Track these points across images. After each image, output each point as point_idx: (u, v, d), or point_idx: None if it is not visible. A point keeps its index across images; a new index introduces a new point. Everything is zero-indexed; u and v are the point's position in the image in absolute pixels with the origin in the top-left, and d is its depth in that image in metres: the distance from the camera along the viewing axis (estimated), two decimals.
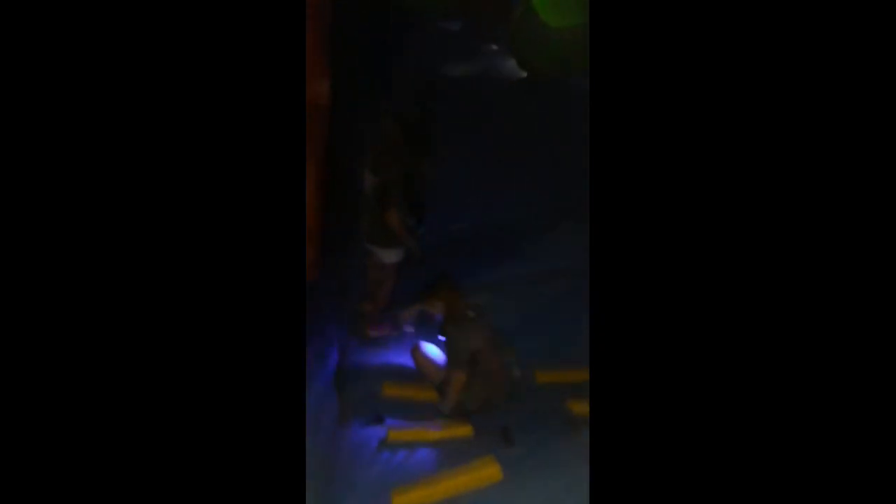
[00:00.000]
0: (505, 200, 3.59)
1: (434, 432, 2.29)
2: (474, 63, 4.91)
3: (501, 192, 3.61)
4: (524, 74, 4.73)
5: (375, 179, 2.70)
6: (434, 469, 2.08)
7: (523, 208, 3.54)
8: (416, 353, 2.53)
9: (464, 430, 2.32)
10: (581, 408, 2.28)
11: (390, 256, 2.87)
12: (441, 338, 2.47)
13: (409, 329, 2.66)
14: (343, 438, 2.17)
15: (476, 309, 2.45)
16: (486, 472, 2.00)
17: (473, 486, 1.95)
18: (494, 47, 5.05)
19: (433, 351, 2.53)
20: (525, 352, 2.65)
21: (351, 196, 2.89)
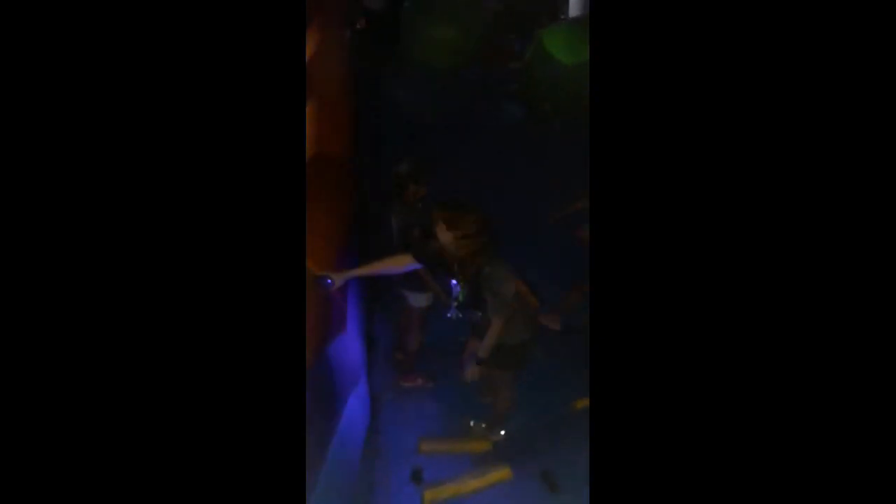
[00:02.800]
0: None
1: (473, 482, 2.18)
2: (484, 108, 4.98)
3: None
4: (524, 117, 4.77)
5: (400, 224, 2.71)
6: None
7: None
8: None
9: (502, 474, 2.22)
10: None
11: (419, 300, 2.83)
12: (454, 282, 2.14)
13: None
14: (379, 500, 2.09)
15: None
16: None
17: None
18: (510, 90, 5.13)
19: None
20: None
21: (381, 242, 2.89)
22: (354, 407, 2.16)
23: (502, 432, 2.53)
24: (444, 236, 1.98)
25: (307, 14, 4.02)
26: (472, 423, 2.55)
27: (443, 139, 4.07)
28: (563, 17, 5.43)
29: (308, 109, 2.93)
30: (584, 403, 2.59)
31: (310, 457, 1.71)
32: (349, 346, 2.24)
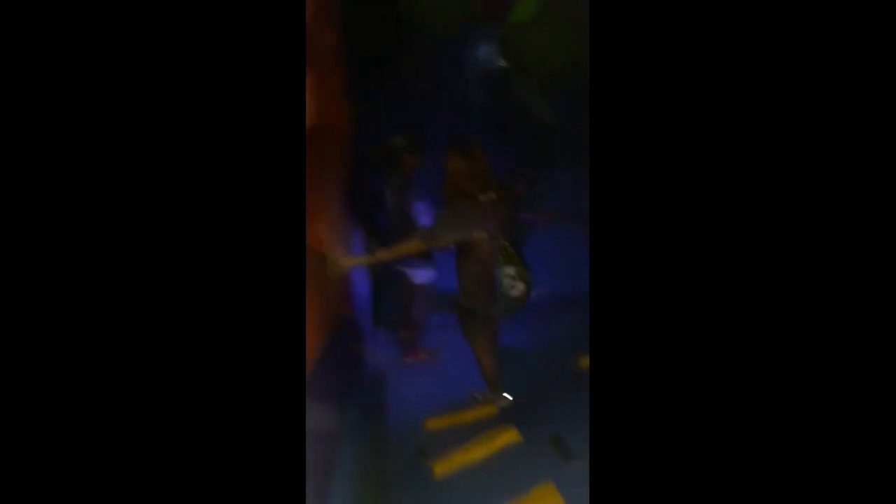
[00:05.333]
0: None
1: (481, 448, 2.15)
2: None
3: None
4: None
5: (396, 197, 2.64)
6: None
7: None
8: None
9: (510, 436, 2.18)
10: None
11: (421, 276, 2.79)
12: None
13: None
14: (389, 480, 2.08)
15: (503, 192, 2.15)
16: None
17: None
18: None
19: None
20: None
21: (377, 217, 2.82)
22: (360, 385, 2.14)
23: (507, 396, 2.46)
24: (453, 164, 2.05)
25: None
26: (475, 395, 2.53)
27: (440, 105, 3.95)
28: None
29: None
30: (588, 361, 2.54)
31: (316, 439, 1.70)
32: (355, 326, 2.20)
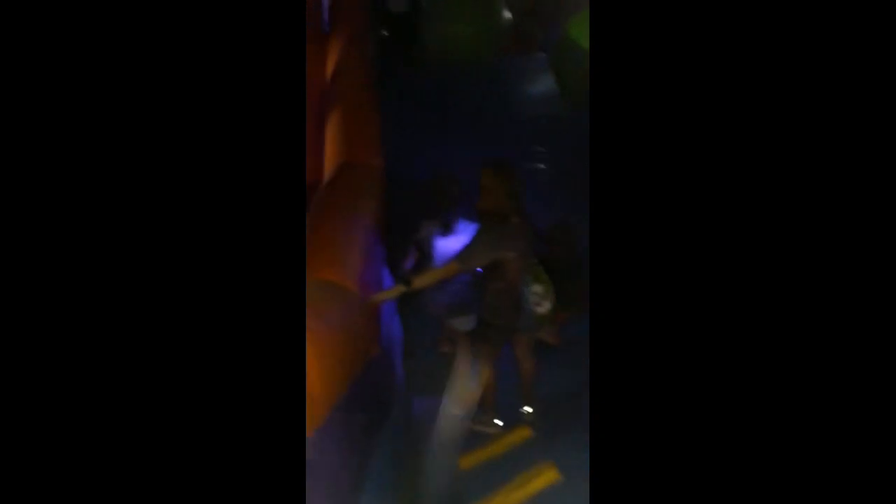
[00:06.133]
0: None
1: (517, 492, 2.11)
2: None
3: None
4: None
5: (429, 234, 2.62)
6: None
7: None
8: None
9: (549, 477, 2.15)
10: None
11: (463, 324, 2.70)
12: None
13: None
14: None
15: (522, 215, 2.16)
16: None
17: None
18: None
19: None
20: None
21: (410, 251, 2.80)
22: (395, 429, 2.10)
23: (498, 422, 2.46)
24: (488, 182, 2.07)
25: (330, 25, 3.98)
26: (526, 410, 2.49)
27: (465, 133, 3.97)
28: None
29: (334, 119, 2.89)
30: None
31: (354, 483, 1.66)
32: (385, 367, 2.17)
